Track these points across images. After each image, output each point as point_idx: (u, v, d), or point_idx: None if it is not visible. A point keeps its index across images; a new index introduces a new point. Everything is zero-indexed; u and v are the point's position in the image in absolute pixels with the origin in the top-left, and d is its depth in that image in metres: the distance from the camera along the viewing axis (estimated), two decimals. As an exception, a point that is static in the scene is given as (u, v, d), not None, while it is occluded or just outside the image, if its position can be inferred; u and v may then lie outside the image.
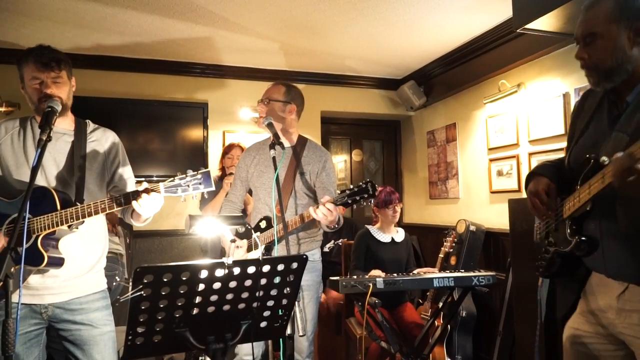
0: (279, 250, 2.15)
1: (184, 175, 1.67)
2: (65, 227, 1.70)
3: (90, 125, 1.97)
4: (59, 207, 1.68)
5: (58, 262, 1.71)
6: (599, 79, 1.41)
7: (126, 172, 2.00)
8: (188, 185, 1.67)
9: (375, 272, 2.99)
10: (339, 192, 2.13)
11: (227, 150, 3.49)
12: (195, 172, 1.68)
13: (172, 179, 1.68)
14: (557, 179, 1.57)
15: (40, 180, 1.77)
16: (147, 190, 1.68)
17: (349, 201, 2.05)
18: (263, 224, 2.32)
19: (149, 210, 1.72)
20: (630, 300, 1.37)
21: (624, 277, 1.39)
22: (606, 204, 1.39)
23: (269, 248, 2.16)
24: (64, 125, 1.89)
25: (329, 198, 2.08)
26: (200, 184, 1.67)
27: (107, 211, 1.71)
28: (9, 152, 1.81)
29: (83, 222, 1.73)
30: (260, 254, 2.21)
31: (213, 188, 1.70)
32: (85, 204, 1.71)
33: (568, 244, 1.48)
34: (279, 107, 2.37)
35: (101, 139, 1.95)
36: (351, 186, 2.07)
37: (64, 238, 1.76)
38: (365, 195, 2.03)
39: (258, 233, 2.31)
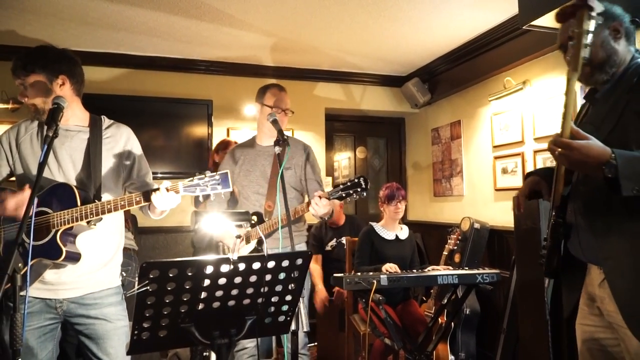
0: (269, 244, 2.25)
1: (202, 176, 1.71)
2: (84, 222, 1.72)
3: (105, 121, 1.97)
4: (79, 203, 1.71)
5: (75, 257, 1.74)
6: (592, 72, 1.52)
7: (143, 167, 2.01)
8: (207, 186, 1.71)
9: (388, 266, 2.96)
10: (334, 186, 2.26)
11: (224, 147, 3.50)
12: (214, 173, 1.72)
13: (191, 178, 1.72)
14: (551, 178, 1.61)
15: (59, 178, 1.80)
16: (166, 190, 1.72)
17: (343, 194, 2.18)
18: (254, 219, 2.37)
19: (166, 206, 1.77)
20: (607, 287, 1.39)
21: (597, 260, 1.43)
22: (577, 186, 1.50)
23: (260, 242, 2.22)
24: (77, 121, 1.90)
25: (324, 193, 2.20)
26: (218, 184, 1.71)
27: (127, 208, 1.74)
28: (29, 150, 1.84)
29: (101, 218, 1.76)
30: (251, 249, 2.30)
31: (231, 189, 1.74)
32: (105, 201, 1.73)
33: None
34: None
35: (115, 135, 1.96)
36: (344, 180, 2.22)
37: (81, 234, 1.78)
38: (358, 189, 2.16)
39: (249, 228, 2.36)
